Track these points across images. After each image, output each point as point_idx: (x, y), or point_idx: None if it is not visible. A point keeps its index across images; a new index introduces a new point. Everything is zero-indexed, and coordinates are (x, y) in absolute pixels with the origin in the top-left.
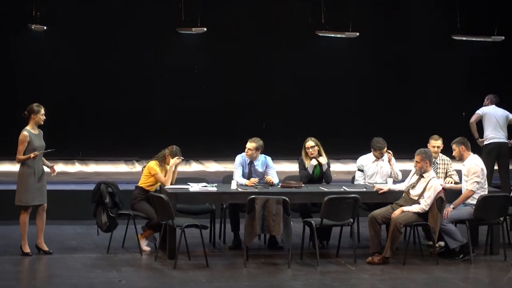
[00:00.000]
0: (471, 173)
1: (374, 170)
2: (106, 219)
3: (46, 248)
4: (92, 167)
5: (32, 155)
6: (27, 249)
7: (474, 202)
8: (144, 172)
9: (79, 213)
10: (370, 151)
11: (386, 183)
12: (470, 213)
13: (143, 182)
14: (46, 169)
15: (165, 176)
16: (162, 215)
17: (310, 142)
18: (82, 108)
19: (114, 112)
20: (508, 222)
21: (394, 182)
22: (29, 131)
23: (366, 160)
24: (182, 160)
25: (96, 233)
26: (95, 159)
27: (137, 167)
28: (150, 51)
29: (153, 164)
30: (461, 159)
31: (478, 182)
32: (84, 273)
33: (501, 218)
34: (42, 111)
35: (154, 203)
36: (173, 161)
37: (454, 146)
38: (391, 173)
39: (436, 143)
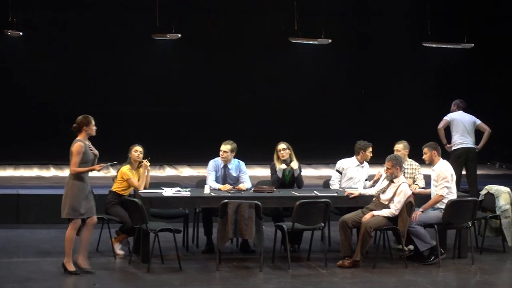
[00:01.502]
0: (441, 178)
1: (354, 174)
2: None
3: (87, 266)
4: (67, 172)
5: (97, 167)
6: (72, 267)
7: (443, 206)
8: (117, 177)
9: (54, 217)
10: (345, 156)
11: (357, 187)
12: (439, 217)
13: (116, 187)
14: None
15: (138, 181)
16: (136, 219)
17: (282, 145)
18: (58, 113)
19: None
20: (476, 227)
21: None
22: (84, 142)
23: (348, 163)
24: (149, 159)
25: None
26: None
27: (111, 171)
28: (124, 56)
29: (125, 169)
30: (430, 163)
31: (447, 187)
32: (58, 277)
33: (469, 223)
34: (93, 121)
35: (128, 207)
36: (142, 166)
37: (426, 150)
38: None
39: (396, 146)
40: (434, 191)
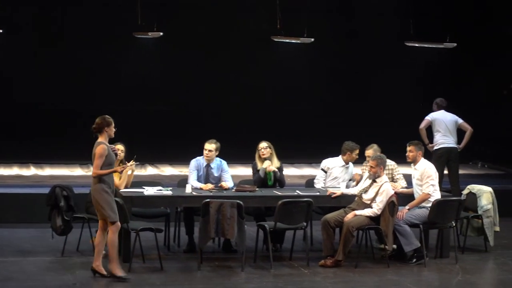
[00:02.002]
0: (426, 176)
1: (338, 174)
2: (61, 222)
3: (104, 272)
4: (47, 171)
5: (119, 169)
6: (120, 272)
7: (429, 204)
8: None
9: (34, 216)
10: (327, 156)
11: (339, 187)
12: (425, 215)
13: None
14: None
15: (120, 179)
16: None
17: (263, 144)
18: (38, 112)
19: (69, 116)
20: (459, 226)
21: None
22: (106, 144)
23: (333, 162)
24: (135, 158)
25: (51, 237)
26: (50, 162)
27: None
28: (106, 55)
29: None
30: (413, 161)
31: (433, 185)
32: (38, 277)
33: (453, 222)
34: (113, 122)
35: None
36: (129, 166)
37: (412, 148)
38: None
39: (366, 152)
40: (418, 190)
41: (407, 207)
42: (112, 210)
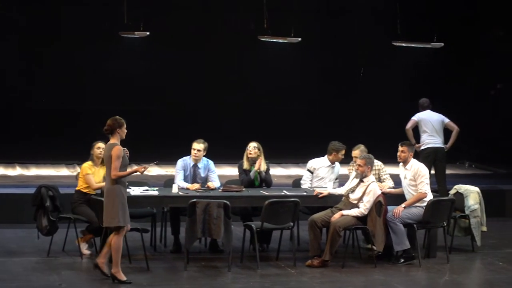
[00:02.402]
0: (420, 176)
1: (325, 174)
2: (47, 222)
3: (107, 272)
4: (33, 171)
5: (142, 169)
6: (123, 277)
7: (424, 204)
8: (80, 175)
9: (20, 216)
10: (314, 156)
11: (326, 187)
12: (420, 215)
13: (80, 185)
14: None
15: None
16: (103, 219)
17: (253, 144)
18: (23, 111)
19: (56, 116)
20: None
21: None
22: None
23: (319, 163)
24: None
25: (37, 237)
26: (36, 162)
27: (78, 170)
28: (92, 54)
29: (85, 165)
30: (404, 161)
31: (427, 184)
32: (24, 277)
33: (444, 222)
34: (125, 123)
35: (95, 206)
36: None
37: (405, 149)
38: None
39: (353, 153)
40: (410, 190)
41: (403, 205)
42: (123, 214)
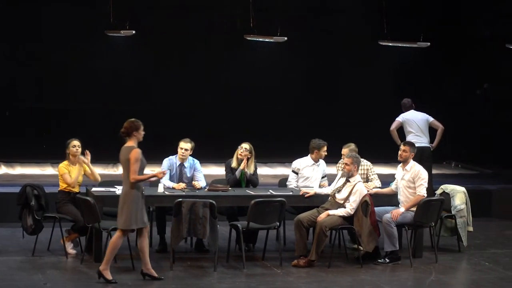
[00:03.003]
0: (421, 178)
1: (310, 174)
2: (32, 221)
3: (155, 274)
4: (18, 170)
5: (161, 174)
6: (109, 276)
7: (414, 207)
8: (59, 176)
9: (5, 215)
10: (301, 155)
11: (313, 187)
12: (411, 217)
13: (61, 186)
14: None
15: (72, 178)
16: (89, 218)
17: (245, 145)
18: (8, 110)
19: (40, 115)
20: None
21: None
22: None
23: (303, 163)
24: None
25: (22, 236)
26: (21, 161)
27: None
28: (77, 53)
29: (61, 165)
30: (404, 161)
31: (426, 187)
32: (9, 276)
33: (432, 222)
34: (142, 126)
35: (80, 206)
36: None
37: (406, 148)
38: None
39: (343, 151)
40: (406, 191)
41: (402, 209)
42: (134, 218)
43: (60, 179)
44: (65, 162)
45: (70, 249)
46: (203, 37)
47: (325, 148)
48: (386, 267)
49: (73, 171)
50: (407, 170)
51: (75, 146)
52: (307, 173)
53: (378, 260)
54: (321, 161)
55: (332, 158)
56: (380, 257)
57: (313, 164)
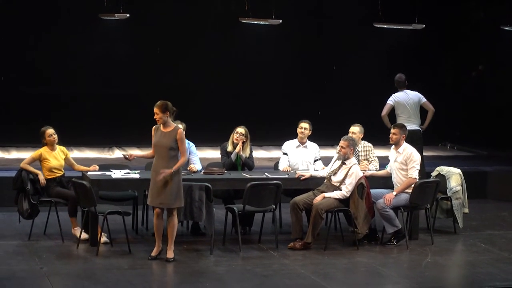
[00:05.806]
0: (412, 161)
1: (297, 155)
2: (28, 206)
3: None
4: (14, 154)
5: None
6: (172, 254)
7: (410, 189)
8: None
9: (0, 200)
10: (295, 137)
11: (308, 169)
12: (407, 199)
13: (46, 174)
14: None
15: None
16: (84, 202)
17: (240, 129)
18: (3, 95)
19: (36, 99)
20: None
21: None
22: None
23: (290, 145)
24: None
25: (18, 220)
26: (17, 145)
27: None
28: (71, 36)
29: (42, 151)
30: (395, 144)
31: (417, 170)
32: (5, 261)
33: (428, 204)
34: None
35: (76, 189)
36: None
37: (397, 131)
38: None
39: (352, 129)
40: (399, 173)
41: (394, 192)
42: (182, 196)
43: (44, 167)
44: (45, 148)
45: (82, 235)
46: (197, 20)
47: (301, 125)
48: (382, 249)
49: (57, 156)
50: (399, 153)
51: (51, 135)
52: (293, 155)
53: (387, 243)
54: (312, 144)
55: (327, 140)
56: (387, 240)
57: (298, 146)
